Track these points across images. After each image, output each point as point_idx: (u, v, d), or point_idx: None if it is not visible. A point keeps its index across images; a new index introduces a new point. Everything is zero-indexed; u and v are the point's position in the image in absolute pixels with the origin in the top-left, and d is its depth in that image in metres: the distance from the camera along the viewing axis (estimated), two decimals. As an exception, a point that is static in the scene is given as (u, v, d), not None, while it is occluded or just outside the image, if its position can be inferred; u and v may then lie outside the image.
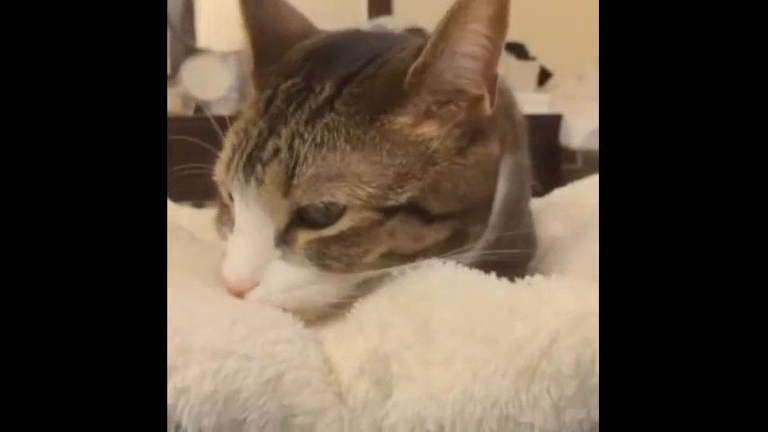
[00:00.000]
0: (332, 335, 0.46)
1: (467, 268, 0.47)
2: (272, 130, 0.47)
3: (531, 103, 2.14)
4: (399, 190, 0.47)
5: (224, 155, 0.51)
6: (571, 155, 1.95)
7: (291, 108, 0.48)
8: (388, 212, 0.47)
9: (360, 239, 0.47)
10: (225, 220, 0.53)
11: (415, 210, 0.47)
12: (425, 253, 0.49)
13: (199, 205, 0.92)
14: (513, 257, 0.56)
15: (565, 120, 2.05)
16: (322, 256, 0.47)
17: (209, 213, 0.72)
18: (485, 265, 0.50)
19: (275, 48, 0.53)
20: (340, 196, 0.46)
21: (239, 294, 0.48)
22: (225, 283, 0.49)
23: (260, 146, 0.47)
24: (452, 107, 0.50)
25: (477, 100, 0.50)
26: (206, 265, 0.55)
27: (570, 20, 2.32)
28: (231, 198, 0.51)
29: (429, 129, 0.49)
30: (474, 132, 0.51)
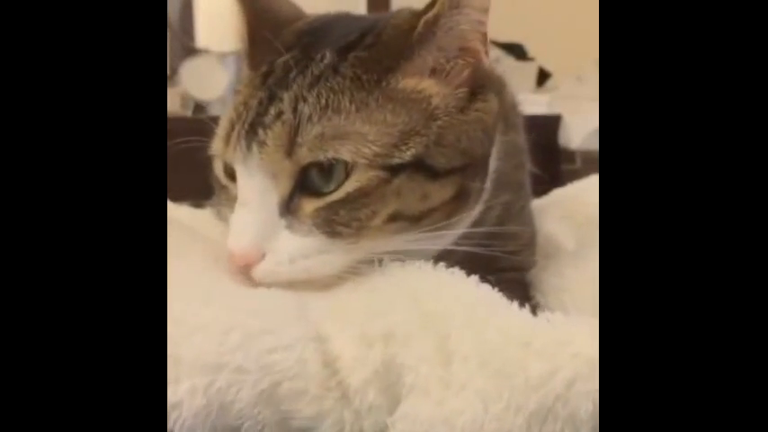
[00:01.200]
0: (342, 334, 0.44)
1: (489, 288, 0.46)
2: (272, 97, 0.48)
3: (530, 103, 2.14)
4: (404, 147, 0.47)
5: (221, 129, 0.50)
6: (570, 155, 1.95)
7: (292, 75, 0.48)
8: (394, 170, 0.47)
9: (367, 200, 0.47)
10: (224, 200, 0.53)
11: (420, 166, 0.47)
12: (431, 215, 0.49)
13: (198, 205, 0.92)
14: (512, 261, 0.57)
15: (564, 120, 2.05)
16: (330, 223, 0.47)
17: (208, 213, 0.71)
18: (485, 259, 0.51)
19: (269, 30, 0.53)
20: (345, 153, 0.46)
21: (245, 268, 0.47)
22: (229, 259, 0.48)
23: (261, 113, 0.48)
24: (460, 62, 0.50)
25: (477, 54, 0.51)
26: (197, 257, 0.54)
27: (569, 20, 2.32)
28: (228, 176, 0.51)
29: (429, 85, 0.49)
30: (474, 88, 0.51)
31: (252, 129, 0.47)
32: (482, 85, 0.52)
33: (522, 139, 0.64)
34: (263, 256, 0.47)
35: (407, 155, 0.47)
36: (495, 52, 2.17)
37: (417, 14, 0.49)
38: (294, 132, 0.46)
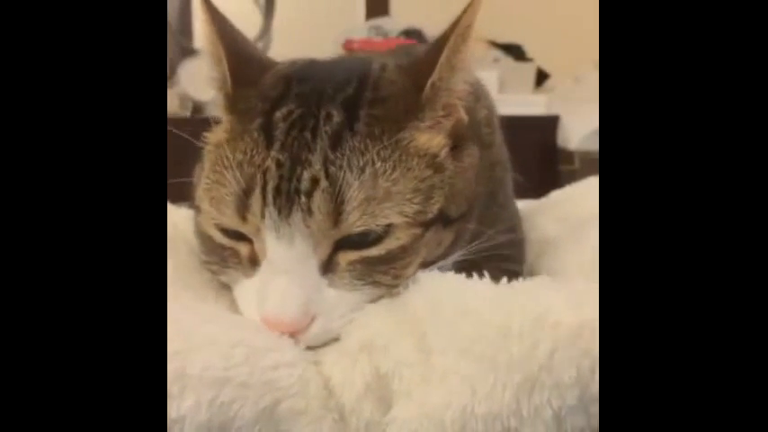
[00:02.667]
0: (330, 355, 0.45)
1: (454, 276, 0.47)
2: (296, 160, 0.46)
3: (529, 104, 2.15)
4: (432, 202, 0.48)
5: (226, 195, 0.47)
6: (568, 156, 1.96)
7: (307, 135, 0.46)
8: (427, 225, 0.48)
9: (404, 254, 0.47)
10: (231, 262, 0.49)
11: (440, 217, 0.49)
12: (438, 258, 0.51)
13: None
14: (501, 256, 0.58)
15: (562, 121, 2.05)
16: (370, 274, 0.47)
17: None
18: (470, 266, 0.51)
19: (250, 70, 0.51)
20: (393, 217, 0.46)
21: (293, 335, 0.46)
22: (271, 326, 0.46)
23: (290, 177, 0.45)
24: (451, 118, 0.52)
25: (457, 108, 0.52)
26: (202, 279, 0.53)
27: (568, 22, 2.33)
28: (232, 236, 0.48)
29: (436, 141, 0.50)
30: (457, 139, 0.53)
31: (281, 196, 0.45)
32: (462, 135, 0.53)
33: (502, 151, 0.65)
34: (313, 320, 0.46)
35: (435, 209, 0.48)
36: (494, 53, 2.18)
37: (410, 72, 0.50)
38: (339, 200, 0.45)
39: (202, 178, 0.49)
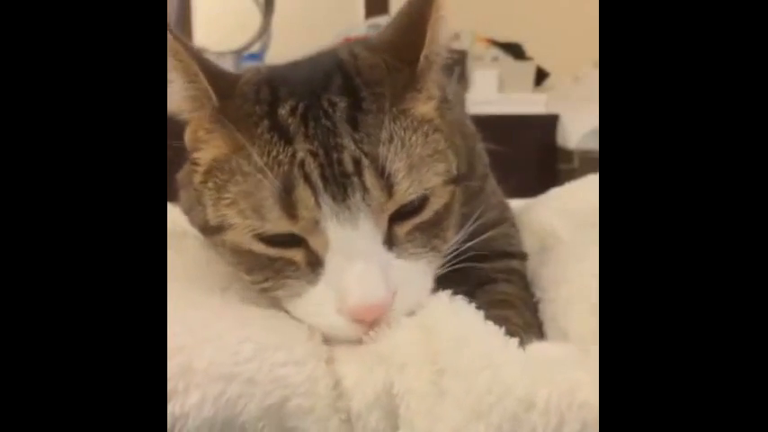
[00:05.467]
0: (346, 355, 0.44)
1: (482, 320, 0.45)
2: (328, 147, 0.46)
3: (528, 103, 2.15)
4: (450, 159, 0.50)
5: (263, 199, 0.45)
6: (568, 155, 1.96)
7: (326, 123, 0.46)
8: (456, 181, 0.50)
9: (448, 213, 0.50)
10: (291, 272, 0.47)
11: (458, 175, 0.50)
12: (457, 216, 0.52)
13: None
14: (498, 247, 0.59)
15: (561, 120, 2.05)
16: (428, 240, 0.49)
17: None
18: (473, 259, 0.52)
19: (225, 82, 0.50)
20: (434, 178, 0.48)
21: (379, 318, 0.45)
22: (361, 316, 0.45)
23: (330, 164, 0.45)
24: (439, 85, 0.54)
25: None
26: (210, 274, 0.53)
27: (567, 21, 2.33)
28: (278, 244, 0.47)
29: (431, 106, 0.51)
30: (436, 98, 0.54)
31: (332, 182, 0.45)
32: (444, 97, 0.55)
33: (463, 124, 0.66)
34: (395, 296, 0.46)
35: (454, 166, 0.50)
36: (493, 51, 2.18)
37: (392, 51, 0.51)
38: (386, 173, 0.45)
39: (212, 198, 0.48)
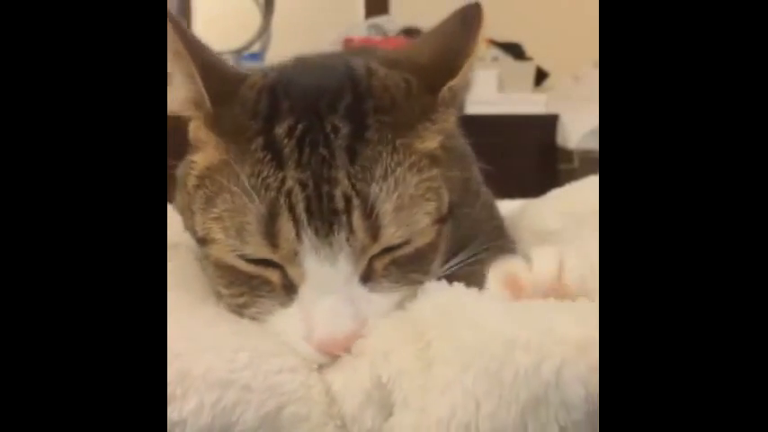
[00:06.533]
0: (333, 361, 0.45)
1: (463, 289, 0.47)
2: (319, 178, 0.44)
3: (528, 103, 2.16)
4: (442, 195, 0.48)
5: (247, 223, 0.44)
6: (568, 155, 1.96)
7: (323, 152, 0.45)
8: (444, 219, 0.49)
9: (429, 251, 0.48)
10: (266, 291, 0.47)
11: (450, 208, 0.49)
12: (443, 251, 0.51)
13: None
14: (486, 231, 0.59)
15: (561, 120, 2.06)
16: (405, 274, 0.47)
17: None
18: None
19: (225, 86, 0.49)
20: (423, 220, 0.46)
21: (346, 350, 0.45)
22: (327, 350, 0.45)
23: (318, 197, 0.44)
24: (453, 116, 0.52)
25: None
26: (204, 282, 0.52)
27: (567, 21, 2.33)
28: (258, 263, 0.46)
29: (438, 138, 0.50)
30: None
31: (318, 217, 0.44)
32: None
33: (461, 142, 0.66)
34: (363, 328, 0.45)
35: (446, 201, 0.48)
36: (493, 51, 2.18)
37: (417, 74, 0.49)
38: (374, 215, 0.44)
39: (201, 207, 0.47)
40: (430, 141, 0.49)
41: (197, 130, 0.49)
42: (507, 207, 0.69)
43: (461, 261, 0.52)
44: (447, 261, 0.52)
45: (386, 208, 0.44)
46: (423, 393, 0.40)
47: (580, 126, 1.96)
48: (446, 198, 0.48)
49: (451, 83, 0.48)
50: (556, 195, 0.73)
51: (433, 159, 0.49)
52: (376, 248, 0.45)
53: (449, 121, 0.50)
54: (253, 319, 0.47)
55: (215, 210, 0.46)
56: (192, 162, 0.49)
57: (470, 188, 0.59)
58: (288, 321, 0.46)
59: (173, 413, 0.38)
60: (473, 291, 0.46)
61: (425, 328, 0.43)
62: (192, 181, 0.48)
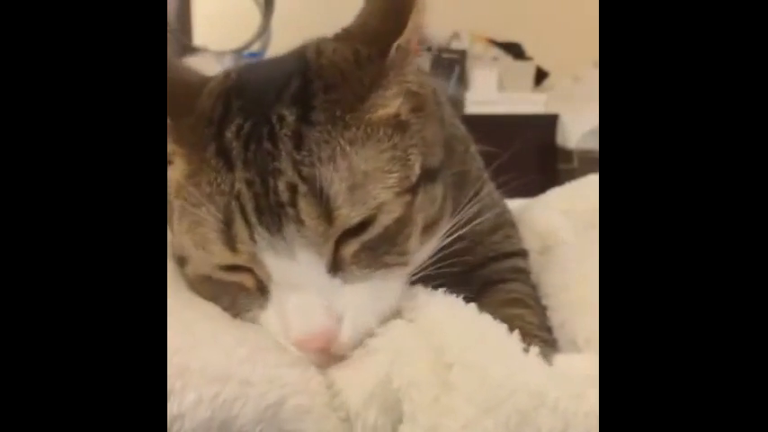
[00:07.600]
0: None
1: (495, 322, 0.45)
2: (265, 173, 0.43)
3: (528, 103, 2.16)
4: (410, 162, 0.46)
5: (208, 233, 0.44)
6: (567, 155, 1.96)
7: (267, 145, 0.44)
8: (415, 188, 0.47)
9: (402, 226, 0.46)
10: (244, 297, 0.47)
11: (425, 175, 0.47)
12: (443, 218, 0.50)
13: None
14: (497, 248, 0.58)
15: (561, 120, 2.06)
16: (377, 258, 0.46)
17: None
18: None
19: (184, 97, 0.48)
20: (382, 194, 0.44)
21: (326, 348, 0.44)
22: (304, 348, 0.44)
23: (265, 193, 0.43)
24: (413, 80, 0.50)
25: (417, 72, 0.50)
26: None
27: (567, 21, 2.33)
28: (229, 269, 0.46)
29: (397, 102, 0.48)
30: (409, 92, 0.50)
31: (265, 215, 0.43)
32: (421, 101, 0.51)
33: (452, 125, 0.62)
34: (340, 324, 0.44)
35: (416, 168, 0.47)
36: (493, 51, 2.18)
37: (363, 41, 0.48)
38: (324, 198, 0.43)
39: (177, 221, 0.46)
40: (388, 108, 0.47)
41: (170, 142, 0.48)
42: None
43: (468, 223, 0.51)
44: (455, 232, 0.50)
45: (336, 189, 0.43)
46: (435, 414, 0.40)
47: (580, 126, 1.96)
48: (416, 165, 0.46)
49: (399, 41, 0.46)
50: (555, 194, 0.73)
51: (398, 125, 0.47)
52: (334, 233, 0.44)
53: (407, 80, 0.48)
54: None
55: (185, 222, 0.45)
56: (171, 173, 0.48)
57: (456, 148, 0.57)
58: (269, 323, 0.46)
59: (173, 406, 0.38)
60: (501, 323, 0.45)
61: (445, 346, 0.42)
62: (172, 193, 0.48)
